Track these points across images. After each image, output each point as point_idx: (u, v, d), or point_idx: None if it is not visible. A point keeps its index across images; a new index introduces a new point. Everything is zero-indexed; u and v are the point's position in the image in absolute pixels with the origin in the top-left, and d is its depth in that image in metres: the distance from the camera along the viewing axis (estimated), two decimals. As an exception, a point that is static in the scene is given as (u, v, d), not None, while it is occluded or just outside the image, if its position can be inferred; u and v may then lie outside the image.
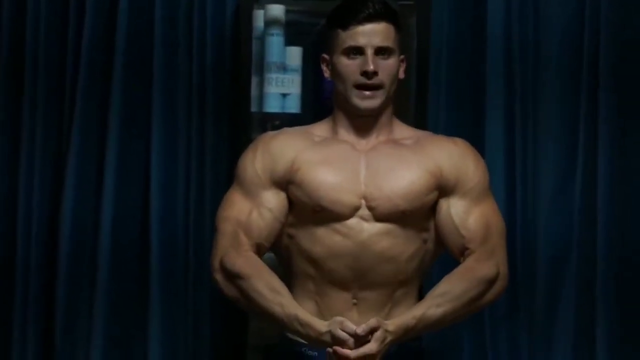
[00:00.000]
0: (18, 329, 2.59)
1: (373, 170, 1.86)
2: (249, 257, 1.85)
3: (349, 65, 1.85)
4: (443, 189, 1.88)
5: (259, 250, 1.88)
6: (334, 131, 1.92)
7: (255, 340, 2.35)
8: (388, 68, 1.86)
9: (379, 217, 1.84)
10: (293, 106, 2.49)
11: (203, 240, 2.57)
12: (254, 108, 2.44)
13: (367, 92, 1.84)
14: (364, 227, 1.84)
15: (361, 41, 1.84)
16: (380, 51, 1.85)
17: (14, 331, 2.59)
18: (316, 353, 1.84)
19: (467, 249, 1.87)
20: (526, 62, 2.66)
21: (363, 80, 1.84)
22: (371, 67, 1.82)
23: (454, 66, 2.65)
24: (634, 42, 2.65)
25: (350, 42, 1.84)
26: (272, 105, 2.47)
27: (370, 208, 1.84)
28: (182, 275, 2.59)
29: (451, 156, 1.90)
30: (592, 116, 2.65)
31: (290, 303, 1.78)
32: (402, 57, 1.91)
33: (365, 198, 1.84)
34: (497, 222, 1.91)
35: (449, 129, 2.54)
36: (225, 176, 2.59)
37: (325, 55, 1.92)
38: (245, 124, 2.39)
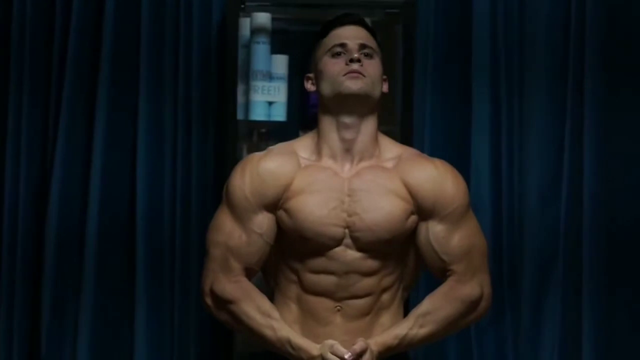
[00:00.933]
0: (4, 314, 2.59)
1: (356, 199, 1.86)
2: (239, 281, 1.87)
3: (335, 63, 1.87)
4: (421, 212, 1.88)
5: (249, 274, 1.90)
6: (318, 153, 1.92)
7: (242, 347, 2.35)
8: (372, 65, 1.88)
9: (361, 247, 1.85)
10: (279, 114, 2.49)
11: (189, 248, 2.58)
12: (240, 116, 2.44)
13: (354, 74, 1.84)
14: (347, 253, 1.86)
15: (344, 39, 1.88)
16: (364, 49, 1.87)
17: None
18: None
19: (448, 270, 1.88)
20: (512, 45, 2.67)
21: (349, 68, 1.85)
22: (356, 55, 1.85)
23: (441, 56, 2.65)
24: (620, 20, 2.67)
25: (334, 41, 1.88)
26: (258, 113, 2.47)
27: (353, 238, 1.85)
28: (168, 283, 2.59)
29: (429, 180, 1.88)
30: (579, 102, 2.66)
31: (282, 326, 1.81)
32: (384, 76, 1.94)
33: (348, 227, 1.85)
34: (479, 242, 1.91)
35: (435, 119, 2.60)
36: (212, 184, 2.59)
37: (309, 75, 1.94)
38: (231, 132, 2.39)
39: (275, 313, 1.82)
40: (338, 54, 1.87)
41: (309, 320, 1.85)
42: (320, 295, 1.87)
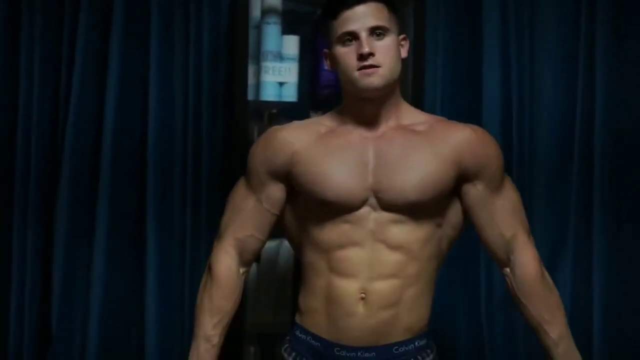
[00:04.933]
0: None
1: (382, 160, 1.81)
2: (229, 254, 1.90)
3: (347, 53, 1.80)
4: (464, 176, 1.85)
5: (251, 242, 1.91)
6: (342, 121, 1.89)
7: (252, 329, 2.36)
8: (385, 48, 1.80)
9: (387, 207, 1.80)
10: (290, 95, 2.48)
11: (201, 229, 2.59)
12: (251, 96, 2.44)
13: (368, 70, 1.78)
14: (372, 216, 1.81)
15: (352, 26, 1.79)
16: (375, 31, 1.79)
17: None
18: (319, 344, 1.84)
19: (505, 238, 1.88)
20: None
21: (361, 63, 1.78)
22: (366, 50, 1.77)
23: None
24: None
25: (343, 29, 1.80)
26: (269, 94, 2.47)
27: (378, 199, 1.81)
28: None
29: (471, 143, 1.85)
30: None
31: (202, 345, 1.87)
32: (402, 36, 1.86)
33: (373, 189, 1.81)
34: (518, 198, 1.92)
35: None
36: (221, 163, 2.60)
37: (326, 50, 1.89)
38: (242, 113, 2.39)
39: (215, 330, 1.88)
40: (349, 41, 1.81)
41: (334, 311, 1.82)
42: (346, 276, 1.82)
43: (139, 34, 2.61)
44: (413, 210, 1.81)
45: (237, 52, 2.39)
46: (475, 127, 1.90)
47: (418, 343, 1.83)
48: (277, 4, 2.46)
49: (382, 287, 1.80)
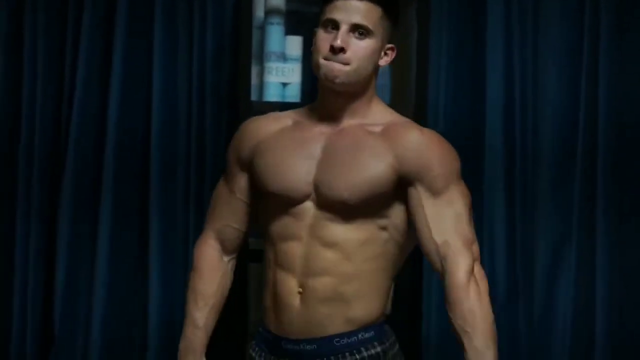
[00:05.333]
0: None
1: (328, 157, 1.81)
2: (209, 245, 1.97)
3: (323, 39, 1.79)
4: (406, 179, 1.79)
5: (229, 231, 1.95)
6: (311, 115, 1.90)
7: (254, 329, 2.36)
8: (360, 48, 1.78)
9: (323, 204, 1.80)
10: (293, 95, 2.49)
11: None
12: (254, 97, 2.45)
13: (334, 63, 1.76)
14: (312, 212, 1.81)
15: (337, 15, 1.77)
16: (357, 29, 1.77)
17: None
18: (270, 338, 1.86)
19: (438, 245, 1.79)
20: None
21: (330, 55, 1.77)
22: (338, 43, 1.75)
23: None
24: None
25: (328, 15, 1.79)
26: (272, 94, 2.48)
27: (317, 195, 1.81)
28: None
29: (415, 145, 1.79)
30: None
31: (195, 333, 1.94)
32: (389, 46, 1.85)
33: (314, 184, 1.81)
34: (463, 207, 1.79)
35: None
36: (224, 163, 2.60)
37: (315, 29, 1.86)
38: (245, 113, 2.39)
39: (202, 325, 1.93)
40: (331, 29, 1.79)
41: (277, 305, 1.83)
42: (286, 270, 1.82)
43: (142, 34, 2.61)
44: (347, 209, 1.78)
45: (241, 53, 2.40)
46: (428, 130, 1.85)
47: (362, 335, 1.81)
48: (281, 4, 2.46)
49: (317, 283, 1.80)
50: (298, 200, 1.82)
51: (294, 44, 2.50)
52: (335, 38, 1.76)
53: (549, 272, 2.71)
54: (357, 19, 1.77)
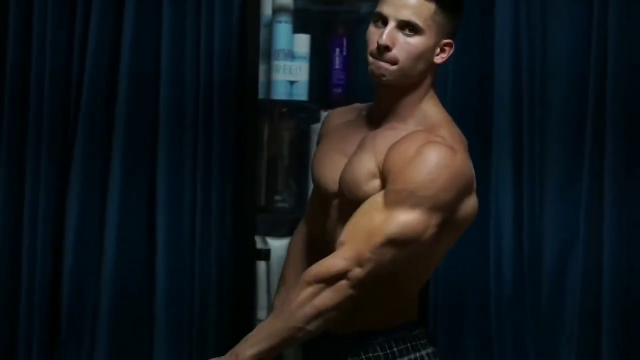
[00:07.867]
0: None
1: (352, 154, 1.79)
2: (299, 232, 2.10)
3: (372, 33, 1.72)
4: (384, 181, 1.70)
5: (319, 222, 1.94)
6: (368, 111, 1.88)
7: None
8: (408, 47, 1.69)
9: (342, 201, 1.78)
10: (301, 93, 2.48)
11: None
12: (261, 95, 2.44)
13: (380, 61, 1.70)
14: (337, 207, 1.80)
15: (386, 10, 1.69)
16: (406, 26, 1.68)
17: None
18: None
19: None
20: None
21: (376, 52, 1.70)
22: (383, 40, 1.67)
23: None
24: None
25: (378, 9, 1.72)
26: (280, 93, 2.47)
27: (339, 191, 1.80)
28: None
29: (401, 151, 1.67)
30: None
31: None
32: (446, 41, 1.73)
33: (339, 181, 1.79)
34: (382, 222, 1.63)
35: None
36: (232, 158, 2.60)
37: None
38: (252, 111, 2.39)
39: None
40: (380, 23, 1.72)
41: None
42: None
43: (150, 33, 2.60)
44: (350, 206, 1.71)
45: (248, 51, 2.39)
46: (426, 145, 1.65)
47: (373, 339, 1.78)
48: (289, 2, 2.46)
49: None
50: (327, 195, 1.83)
51: (302, 42, 2.50)
52: (381, 35, 1.69)
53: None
54: (406, 15, 1.68)
